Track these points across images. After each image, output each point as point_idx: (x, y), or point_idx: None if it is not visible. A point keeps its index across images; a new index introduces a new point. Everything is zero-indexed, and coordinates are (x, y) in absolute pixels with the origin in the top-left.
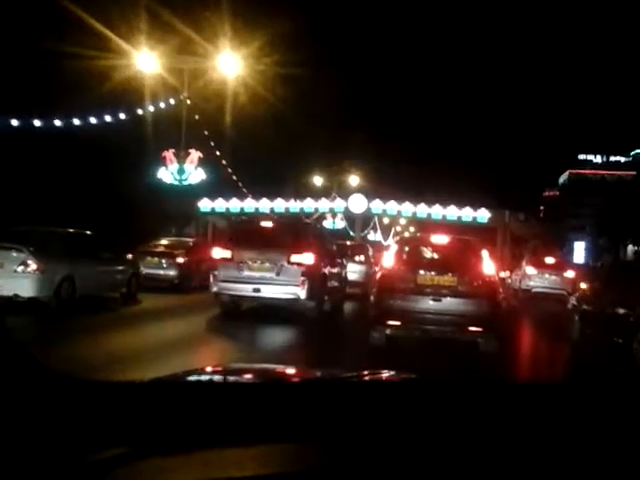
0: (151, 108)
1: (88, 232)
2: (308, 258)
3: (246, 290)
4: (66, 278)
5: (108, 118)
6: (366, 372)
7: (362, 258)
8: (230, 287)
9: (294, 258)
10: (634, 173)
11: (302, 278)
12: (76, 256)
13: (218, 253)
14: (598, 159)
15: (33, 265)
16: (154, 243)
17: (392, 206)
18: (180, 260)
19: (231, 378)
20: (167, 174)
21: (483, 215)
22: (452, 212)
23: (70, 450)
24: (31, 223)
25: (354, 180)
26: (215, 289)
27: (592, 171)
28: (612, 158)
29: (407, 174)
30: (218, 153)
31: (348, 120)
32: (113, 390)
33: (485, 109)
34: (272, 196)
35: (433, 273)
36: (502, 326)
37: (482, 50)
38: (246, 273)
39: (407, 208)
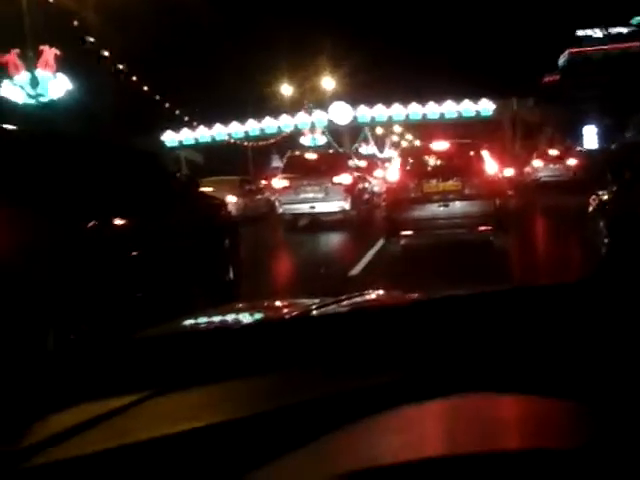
0: None
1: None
2: (346, 179)
3: (304, 208)
4: None
5: None
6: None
7: (381, 173)
8: (291, 207)
9: (336, 179)
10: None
11: (345, 194)
12: None
13: (278, 183)
14: (598, 33)
15: None
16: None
17: (380, 111)
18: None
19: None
20: (14, 89)
21: (486, 107)
22: (450, 108)
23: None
24: None
25: (329, 84)
26: (280, 210)
27: (593, 48)
28: (612, 30)
29: (392, 72)
30: (107, 54)
31: (310, 10)
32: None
33: None
34: (230, 116)
35: (438, 180)
36: (510, 222)
37: None
38: (302, 196)
39: (398, 111)
